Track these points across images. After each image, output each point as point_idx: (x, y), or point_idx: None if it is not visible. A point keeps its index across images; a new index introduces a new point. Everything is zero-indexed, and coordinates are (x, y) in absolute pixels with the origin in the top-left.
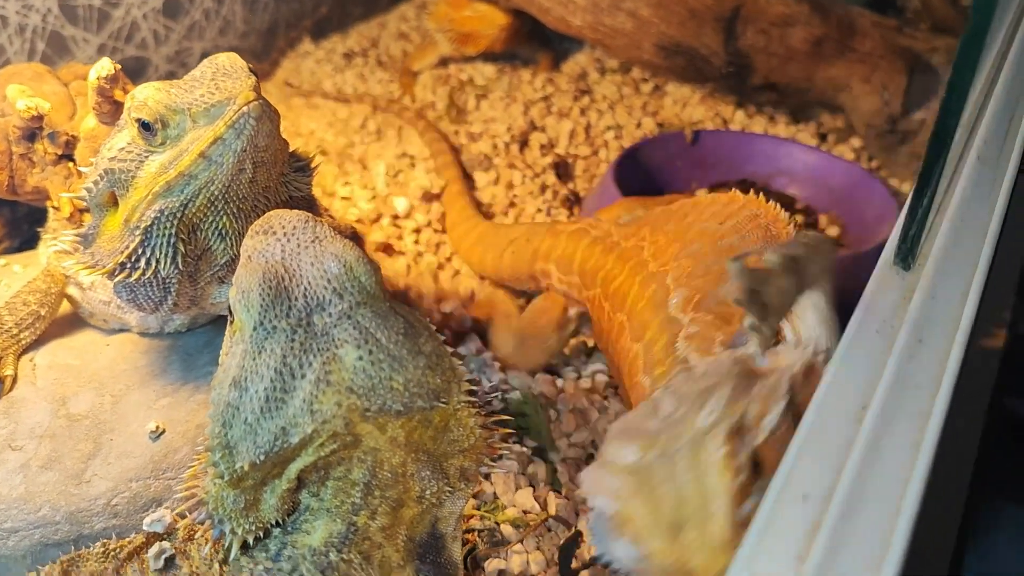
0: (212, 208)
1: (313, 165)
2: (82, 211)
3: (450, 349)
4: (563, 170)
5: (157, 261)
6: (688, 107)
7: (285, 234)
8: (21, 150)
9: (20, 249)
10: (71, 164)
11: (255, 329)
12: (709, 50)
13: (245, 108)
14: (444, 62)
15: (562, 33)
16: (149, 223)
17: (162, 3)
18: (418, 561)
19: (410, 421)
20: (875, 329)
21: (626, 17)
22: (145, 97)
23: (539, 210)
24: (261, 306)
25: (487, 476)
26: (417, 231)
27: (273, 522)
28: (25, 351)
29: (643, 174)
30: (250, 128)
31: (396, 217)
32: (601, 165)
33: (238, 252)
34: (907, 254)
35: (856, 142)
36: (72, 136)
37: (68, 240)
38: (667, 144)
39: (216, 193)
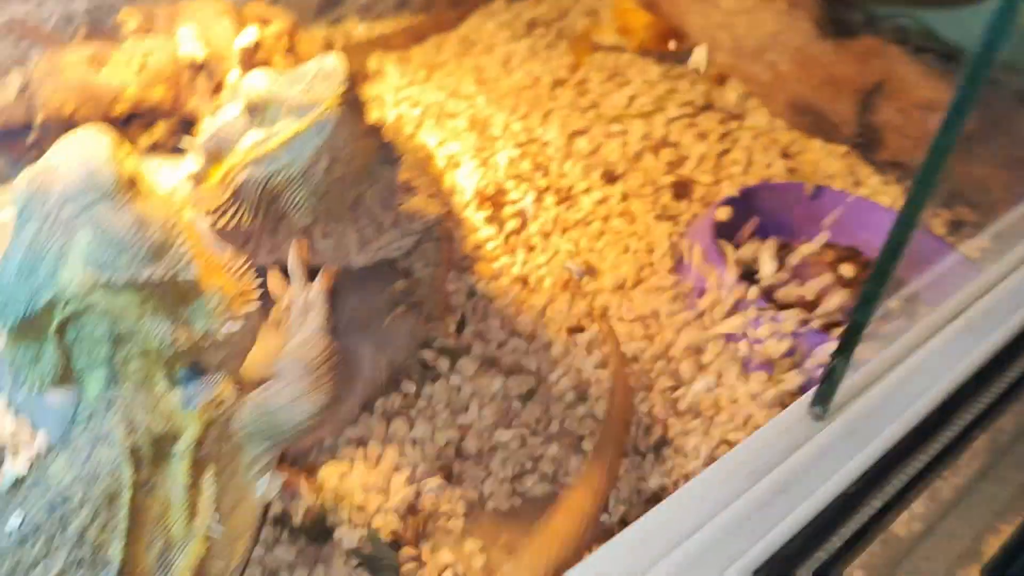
0: (290, 186)
1: (400, 159)
2: None
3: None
4: (682, 192)
5: (240, 216)
6: (828, 160)
7: (66, 146)
8: (188, 76)
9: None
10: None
11: (19, 215)
12: (840, 118)
13: (328, 113)
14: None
15: None
16: (238, 185)
17: None
18: (181, 383)
19: (140, 290)
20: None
21: (764, 68)
22: (254, 84)
23: (645, 225)
24: (25, 198)
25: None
26: (519, 222)
27: (51, 379)
28: None
29: (753, 216)
30: (328, 130)
31: (501, 202)
32: (721, 195)
33: (312, 220)
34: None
35: (985, 242)
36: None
37: (192, 171)
38: (786, 192)
39: (294, 175)
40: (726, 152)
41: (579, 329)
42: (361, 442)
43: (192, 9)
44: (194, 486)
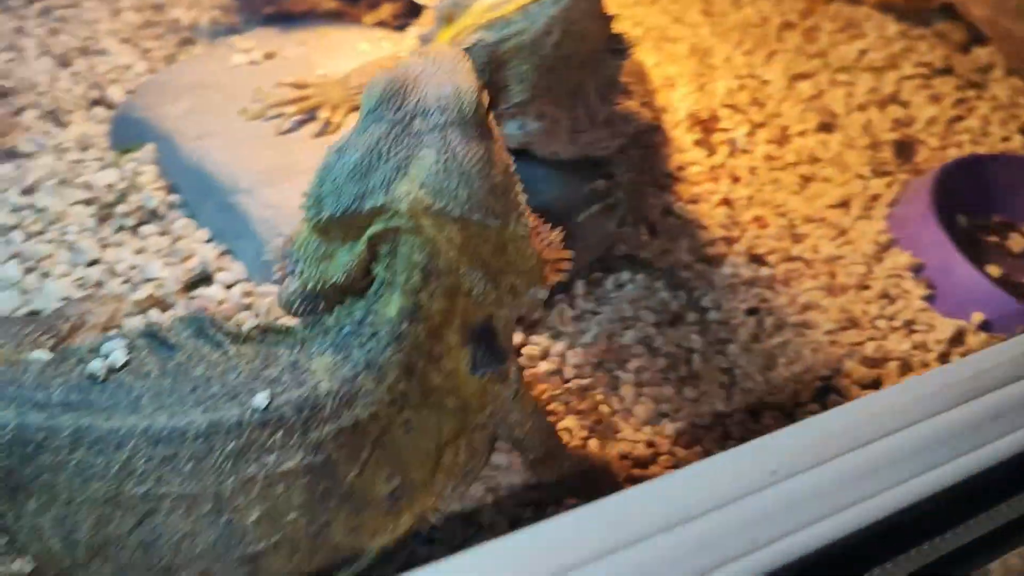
0: (518, 54)
1: (629, 51)
2: None
3: (521, 188)
4: (904, 151)
5: None
6: None
7: (434, 60)
8: None
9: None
10: None
11: (368, 113)
12: None
13: None
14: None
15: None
16: (467, 46)
17: None
18: (472, 343)
19: (466, 229)
20: None
21: None
22: None
23: (858, 176)
24: (379, 98)
25: (546, 303)
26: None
27: (336, 280)
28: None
29: (976, 191)
30: (566, 2)
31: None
32: (947, 160)
33: (531, 96)
34: None
35: None
36: None
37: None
38: (1019, 167)
39: (524, 43)
40: (959, 119)
41: (762, 262)
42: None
43: None
44: (451, 445)
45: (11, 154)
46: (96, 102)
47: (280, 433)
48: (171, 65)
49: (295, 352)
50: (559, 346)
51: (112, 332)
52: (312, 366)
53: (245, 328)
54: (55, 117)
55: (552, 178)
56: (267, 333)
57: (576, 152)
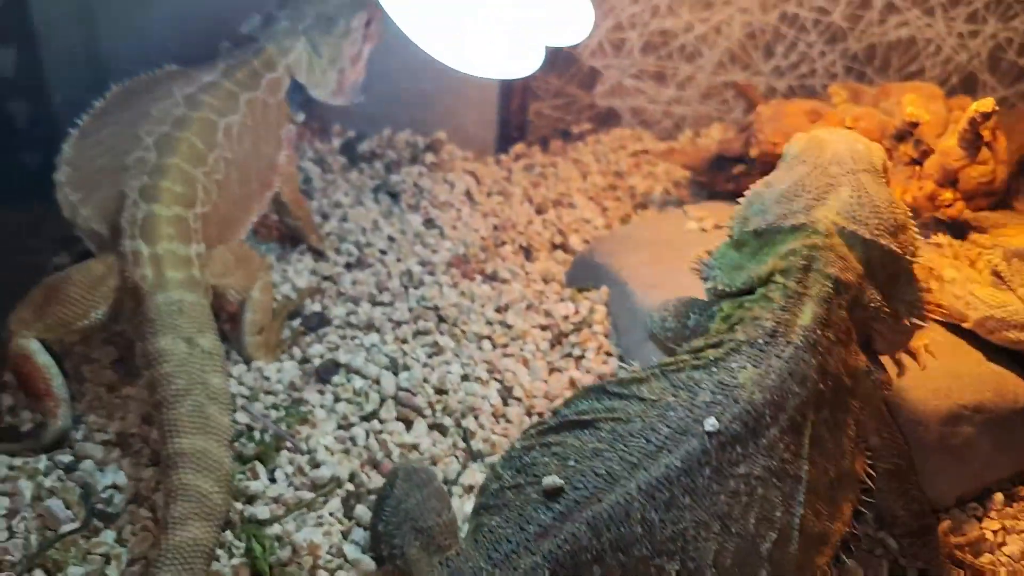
0: None
1: None
2: None
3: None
4: None
5: None
6: None
7: (834, 131)
8: (887, 144)
9: None
10: (917, 168)
11: (792, 158)
12: None
13: None
14: None
15: None
16: None
17: None
18: (867, 351)
19: (871, 251)
20: None
21: None
22: None
23: None
24: (801, 148)
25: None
26: None
27: (738, 285)
28: None
29: None
30: None
31: None
32: None
33: None
34: None
35: None
36: (929, 148)
37: None
38: None
39: None
40: None
41: None
42: None
43: (900, 90)
44: (857, 439)
45: (492, 277)
46: (558, 246)
47: (738, 447)
48: (629, 222)
49: (715, 374)
50: None
51: None
52: (739, 380)
53: (637, 372)
54: (527, 252)
55: None
56: (665, 368)
57: None
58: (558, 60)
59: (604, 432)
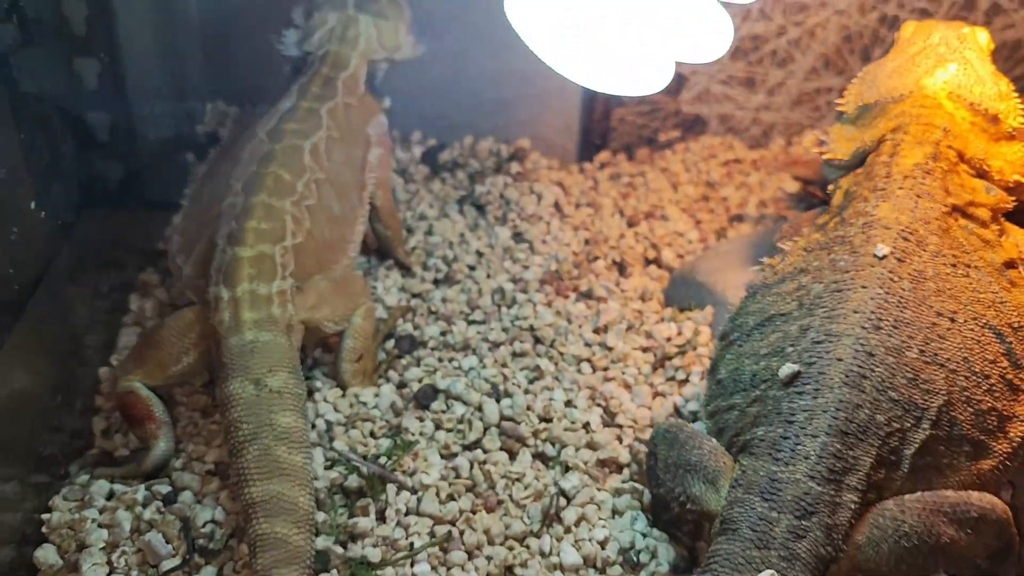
0: None
1: None
2: None
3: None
4: None
5: None
6: None
7: (947, 28)
8: None
9: None
10: None
11: (901, 42)
12: None
13: None
14: None
15: None
16: None
17: None
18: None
19: (974, 113)
20: None
21: None
22: None
23: None
24: (909, 33)
25: None
26: None
27: (855, 157)
28: None
29: None
30: None
31: None
32: None
33: None
34: None
35: None
36: None
37: None
38: None
39: None
40: None
41: None
42: None
43: None
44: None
45: (587, 295)
46: (651, 260)
47: (914, 257)
48: (726, 236)
49: (854, 222)
50: None
51: None
52: (878, 215)
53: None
54: (621, 268)
55: None
56: (802, 247)
57: None
58: None
59: (794, 310)
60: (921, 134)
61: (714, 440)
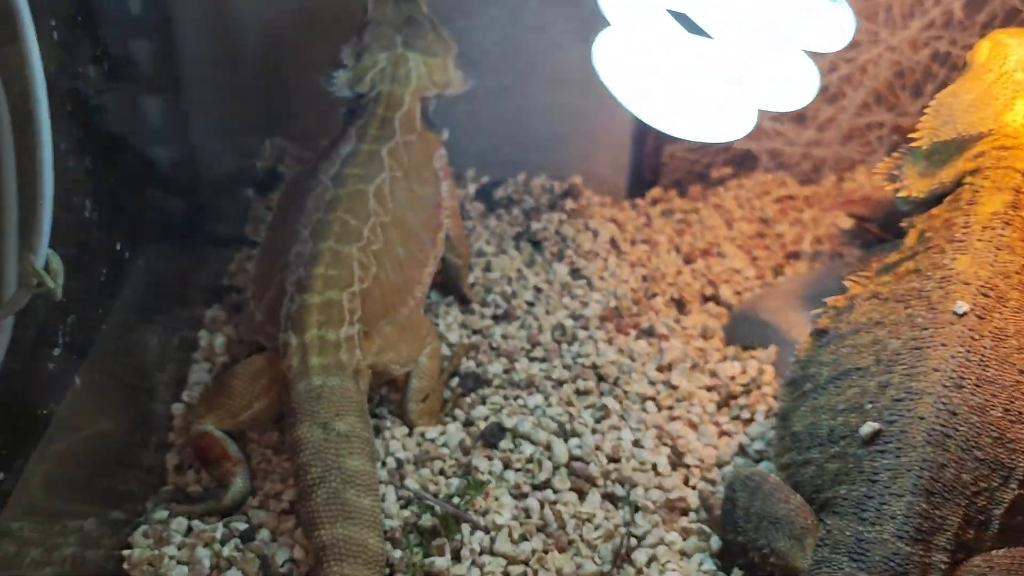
0: None
1: None
2: None
3: None
4: None
5: None
6: None
7: None
8: None
9: None
10: None
11: (976, 67)
12: None
13: None
14: None
15: None
16: None
17: None
18: None
19: None
20: None
21: None
22: None
23: None
24: (983, 57)
25: None
26: None
27: (930, 195)
28: None
29: None
30: None
31: None
32: None
33: None
34: None
35: None
36: None
37: None
38: None
39: None
40: None
41: None
42: None
43: None
44: None
45: (648, 332)
46: (709, 298)
47: (995, 314)
48: (783, 273)
49: (931, 274)
50: None
51: None
52: (957, 268)
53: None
54: (679, 305)
55: None
56: (871, 296)
57: None
58: None
59: (871, 365)
60: (1000, 179)
61: (799, 496)
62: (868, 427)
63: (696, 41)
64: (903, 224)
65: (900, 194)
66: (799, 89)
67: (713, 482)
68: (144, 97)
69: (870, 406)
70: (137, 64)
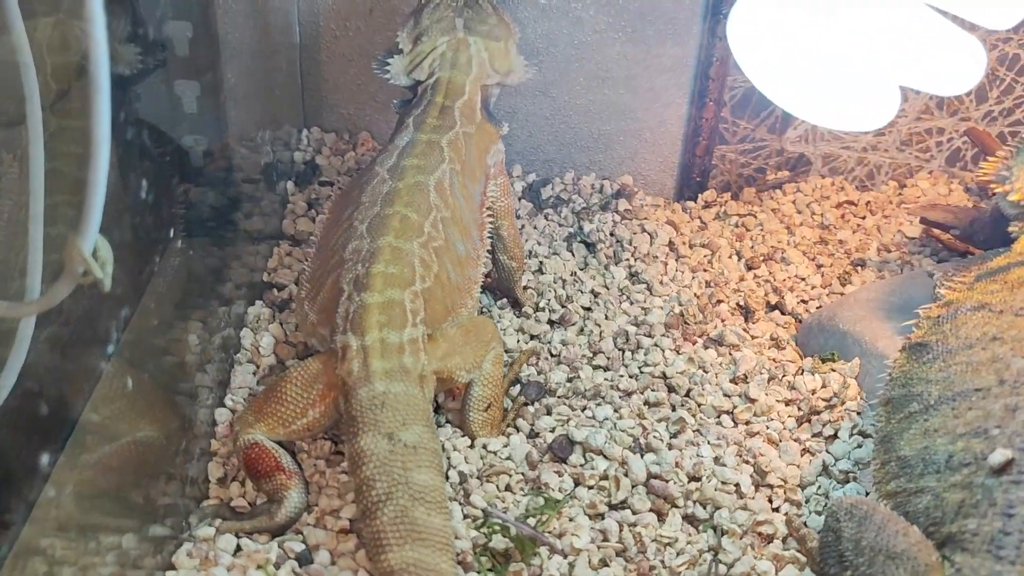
0: None
1: None
2: None
3: None
4: None
5: None
6: None
7: None
8: None
9: None
10: None
11: None
12: None
13: None
14: None
15: None
16: None
17: None
18: None
19: None
20: None
21: None
22: None
23: None
24: None
25: None
26: None
27: None
28: None
29: None
30: None
31: None
32: None
33: None
34: None
35: None
36: None
37: None
38: None
39: None
40: None
41: None
42: None
43: None
44: None
45: (718, 341)
46: (774, 306)
47: None
48: (857, 283)
49: None
50: None
51: None
52: None
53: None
54: (745, 312)
55: None
56: (978, 306)
57: None
58: (751, 103)
59: (993, 385)
60: None
61: (918, 529)
62: (999, 455)
63: (842, 14)
64: (1012, 228)
65: (1011, 197)
66: (964, 71)
67: (798, 504)
68: (181, 82)
69: (997, 431)
70: (173, 49)
